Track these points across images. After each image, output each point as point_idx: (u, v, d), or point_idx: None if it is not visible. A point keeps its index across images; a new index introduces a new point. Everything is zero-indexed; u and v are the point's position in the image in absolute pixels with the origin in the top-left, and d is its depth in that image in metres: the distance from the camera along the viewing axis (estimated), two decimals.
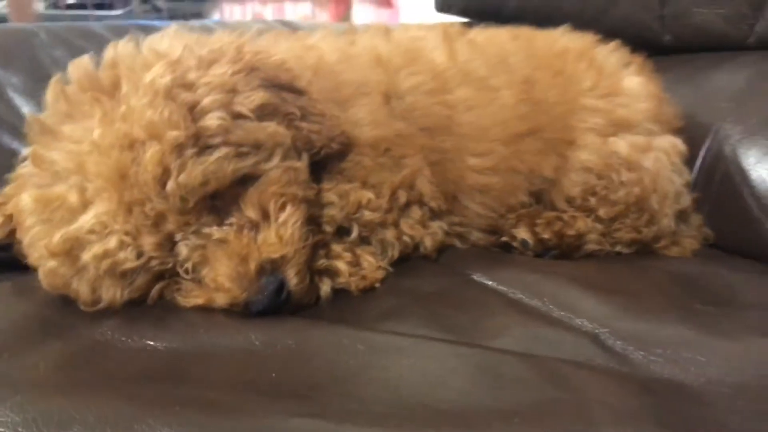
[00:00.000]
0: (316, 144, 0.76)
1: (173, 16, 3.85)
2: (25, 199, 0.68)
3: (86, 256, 0.65)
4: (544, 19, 1.25)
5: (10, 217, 0.78)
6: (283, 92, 0.76)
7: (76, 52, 1.05)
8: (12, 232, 0.79)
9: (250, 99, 0.71)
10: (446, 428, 0.47)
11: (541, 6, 1.48)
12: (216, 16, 4.10)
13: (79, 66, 0.74)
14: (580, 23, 1.18)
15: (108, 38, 1.17)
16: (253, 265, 0.67)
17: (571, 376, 0.55)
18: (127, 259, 0.66)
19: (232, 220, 0.69)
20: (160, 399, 0.51)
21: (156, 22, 1.27)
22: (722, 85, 1.13)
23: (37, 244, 0.68)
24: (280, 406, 0.49)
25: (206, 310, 0.69)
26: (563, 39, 1.04)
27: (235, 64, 0.73)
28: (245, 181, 0.70)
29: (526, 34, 1.03)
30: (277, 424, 0.45)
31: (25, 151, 0.76)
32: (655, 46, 1.23)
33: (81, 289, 0.68)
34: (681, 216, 0.98)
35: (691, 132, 1.07)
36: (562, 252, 0.91)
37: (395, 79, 0.89)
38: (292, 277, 0.69)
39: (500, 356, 0.59)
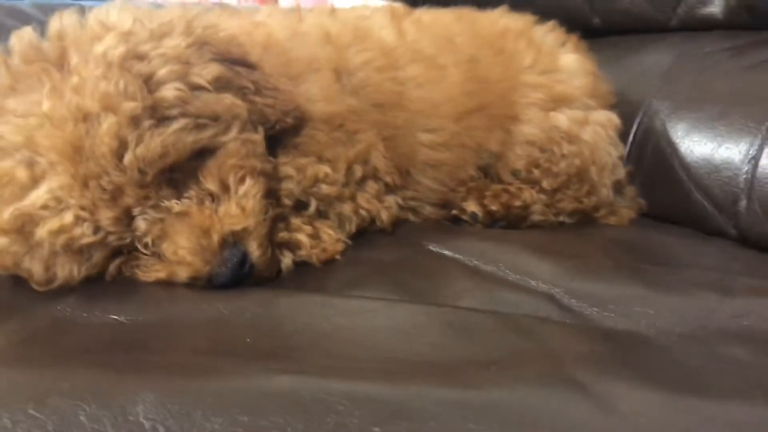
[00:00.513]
0: (271, 118, 0.76)
1: None
2: None
3: (41, 232, 0.63)
4: (481, 0, 1.29)
5: None
6: (235, 66, 0.75)
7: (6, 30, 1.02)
8: None
9: (207, 70, 0.70)
10: (424, 377, 0.48)
11: None
12: None
13: (23, 38, 0.71)
14: (514, 5, 1.22)
15: (38, 17, 1.13)
16: (216, 238, 0.66)
17: (536, 329, 0.58)
18: (84, 234, 0.64)
19: (191, 193, 0.68)
20: (135, 366, 0.50)
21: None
22: (650, 65, 1.20)
23: None
24: (261, 366, 0.49)
25: (167, 284, 0.68)
26: (503, 19, 1.07)
27: (188, 37, 0.72)
28: (202, 153, 0.69)
29: (468, 15, 1.06)
30: (264, 382, 0.46)
31: None
32: (585, 28, 1.28)
33: (34, 267, 0.66)
34: (616, 187, 1.03)
35: (623, 108, 1.13)
36: (509, 223, 0.95)
37: (345, 55, 0.90)
38: (254, 250, 0.68)
39: (466, 313, 0.61)
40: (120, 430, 0.42)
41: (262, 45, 0.85)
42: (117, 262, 0.68)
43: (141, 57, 0.67)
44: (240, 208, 0.68)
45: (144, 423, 0.42)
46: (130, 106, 0.64)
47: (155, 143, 0.64)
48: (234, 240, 0.67)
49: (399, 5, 1.04)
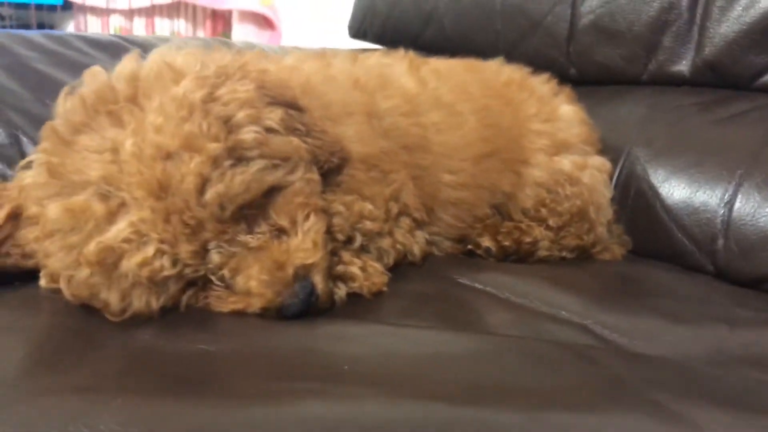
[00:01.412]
0: (321, 158, 0.81)
1: (20, 25, 3.61)
2: (53, 209, 0.67)
3: (127, 264, 0.66)
4: (457, 50, 1.38)
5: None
6: (289, 109, 0.80)
7: (20, 59, 1.03)
8: None
9: (274, 114, 0.75)
10: (521, 402, 0.54)
11: (456, 37, 1.62)
12: (70, 27, 3.87)
13: (96, 77, 0.74)
14: (493, 54, 1.32)
15: (49, 47, 1.14)
16: (290, 271, 0.71)
17: (594, 356, 0.65)
18: (164, 267, 0.67)
19: (263, 228, 0.72)
20: (238, 396, 0.53)
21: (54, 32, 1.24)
22: (626, 114, 1.32)
23: (63, 254, 0.68)
24: (357, 391, 0.54)
25: (239, 314, 0.71)
26: (504, 70, 1.16)
27: (251, 82, 0.77)
28: (271, 191, 0.73)
29: (475, 65, 1.14)
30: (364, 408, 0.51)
31: (29, 158, 0.75)
32: (562, 78, 1.39)
33: (111, 298, 0.68)
34: (607, 226, 1.13)
35: (606, 154, 1.24)
36: (518, 258, 1.03)
37: (374, 100, 0.96)
38: (319, 282, 0.73)
39: (531, 342, 0.67)
40: None
41: (301, 88, 0.90)
42: (190, 293, 0.71)
43: (218, 100, 0.72)
44: (312, 242, 0.72)
45: None
46: (213, 147, 0.68)
47: (237, 182, 0.68)
48: (304, 273, 0.72)
49: (413, 54, 1.11)
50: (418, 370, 0.60)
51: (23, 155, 0.94)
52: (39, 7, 3.55)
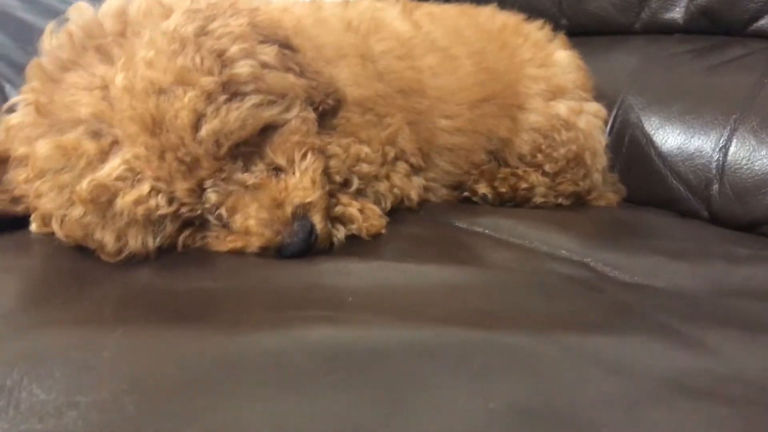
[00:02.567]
0: (315, 100, 0.79)
1: None
2: (42, 147, 0.65)
3: (122, 202, 0.64)
4: None
5: None
6: (282, 48, 0.78)
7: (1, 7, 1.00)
8: None
9: (269, 49, 0.73)
10: (536, 326, 0.54)
11: None
12: None
13: (83, 12, 0.71)
14: (485, 2, 1.29)
15: None
16: (289, 209, 0.69)
17: (602, 287, 0.65)
18: (159, 205, 0.66)
19: (259, 166, 0.71)
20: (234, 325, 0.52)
21: None
22: (619, 64, 1.31)
23: (55, 194, 0.66)
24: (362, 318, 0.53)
25: (237, 254, 0.70)
26: (498, 15, 1.14)
27: (245, 17, 0.74)
28: (266, 129, 0.72)
29: (469, 9, 1.12)
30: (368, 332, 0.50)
31: (15, 99, 0.73)
32: (553, 28, 1.37)
33: (106, 237, 0.66)
34: (602, 173, 1.12)
35: (600, 102, 1.22)
36: (515, 204, 1.02)
37: (367, 43, 0.94)
38: (318, 221, 0.72)
39: (537, 275, 0.67)
40: None
41: (292, 30, 0.87)
42: (187, 233, 0.70)
43: (210, 34, 0.69)
44: (310, 181, 0.71)
45: None
46: (207, 81, 0.66)
47: (233, 117, 0.66)
48: (303, 212, 0.70)
49: None
50: (426, 298, 0.59)
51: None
52: None
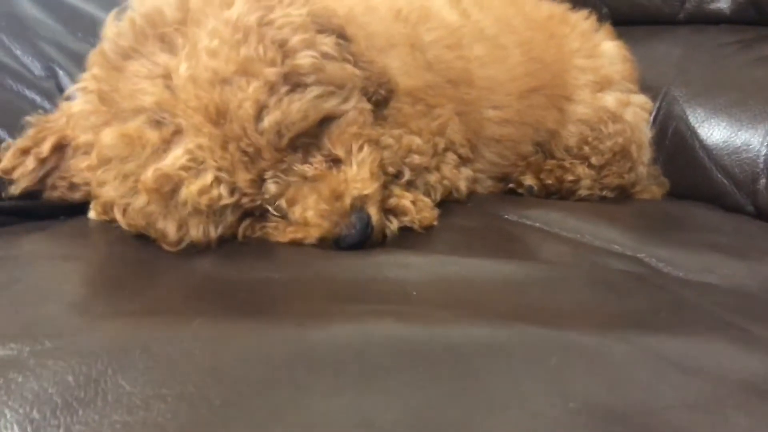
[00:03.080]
0: (369, 90, 0.79)
1: None
2: (107, 135, 0.65)
3: (185, 192, 0.64)
4: None
5: (42, 161, 0.75)
6: (338, 38, 0.78)
7: None
8: (43, 177, 0.76)
9: (329, 39, 0.72)
10: (605, 324, 0.54)
11: None
12: None
13: (144, 1, 0.71)
14: None
15: None
16: (347, 201, 0.69)
17: (663, 283, 0.65)
18: (222, 195, 0.66)
19: (318, 158, 0.71)
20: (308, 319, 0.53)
21: None
22: (663, 54, 1.29)
23: (119, 182, 0.66)
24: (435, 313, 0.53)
25: (296, 245, 0.70)
26: (545, 5, 1.13)
27: (304, 7, 0.74)
28: (325, 121, 0.72)
29: None
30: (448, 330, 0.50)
31: (76, 86, 0.73)
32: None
33: (168, 226, 0.67)
34: (647, 167, 1.12)
35: (643, 93, 1.21)
36: (560, 196, 1.02)
37: (417, 32, 0.94)
38: (374, 213, 0.72)
39: (598, 270, 0.67)
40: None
41: (344, 18, 0.87)
42: (246, 223, 0.70)
43: (272, 24, 0.69)
44: (368, 173, 0.71)
45: None
46: (270, 72, 0.66)
47: (294, 108, 0.66)
48: (360, 204, 0.70)
49: None
50: (490, 294, 0.59)
51: (60, 88, 0.92)
52: None
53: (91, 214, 0.76)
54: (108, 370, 0.45)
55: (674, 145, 1.18)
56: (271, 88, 0.66)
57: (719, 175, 1.12)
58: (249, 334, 0.49)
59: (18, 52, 0.93)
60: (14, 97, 0.87)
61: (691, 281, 0.70)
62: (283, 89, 0.66)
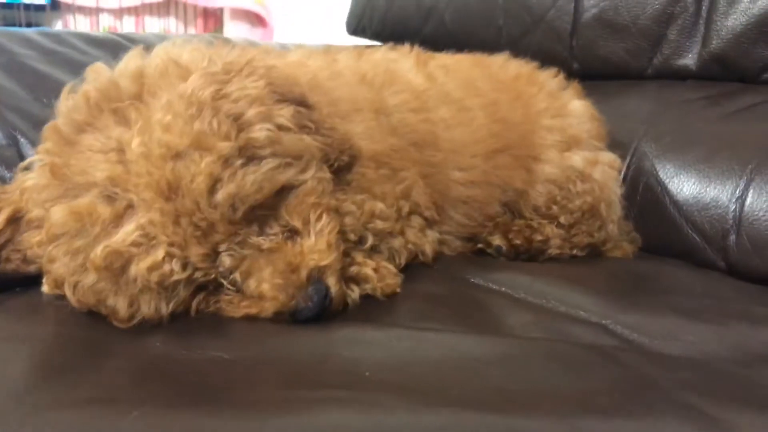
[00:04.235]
0: (330, 156, 0.79)
1: (8, 25, 3.55)
2: (57, 212, 0.64)
3: (136, 269, 0.63)
4: (458, 46, 1.36)
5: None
6: (298, 106, 0.78)
7: (18, 57, 1.00)
8: None
9: (285, 111, 0.72)
10: (555, 408, 0.52)
11: (457, 33, 1.60)
12: (59, 26, 3.81)
13: (100, 74, 0.72)
14: (495, 50, 1.29)
15: (46, 45, 1.11)
16: (304, 273, 0.68)
17: (621, 357, 0.63)
18: (174, 271, 0.65)
19: (275, 229, 0.70)
20: (255, 405, 0.51)
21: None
22: (632, 110, 1.30)
23: (68, 259, 0.65)
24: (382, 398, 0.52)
25: (250, 319, 0.69)
26: (511, 64, 1.14)
27: (259, 79, 0.74)
28: (282, 191, 0.71)
29: (483, 59, 1.12)
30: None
31: (30, 159, 0.73)
32: (564, 74, 1.37)
33: (119, 304, 0.65)
34: (617, 224, 1.11)
35: (614, 149, 1.22)
36: (529, 256, 1.01)
37: (381, 96, 0.94)
38: (333, 284, 0.71)
39: (556, 345, 0.65)
40: None
41: (308, 85, 0.87)
42: (200, 297, 0.69)
43: (227, 97, 0.69)
44: (326, 243, 0.70)
45: None
46: (224, 146, 0.65)
47: (249, 181, 0.66)
48: (318, 275, 0.69)
49: (419, 49, 1.09)
50: (444, 375, 0.58)
51: (22, 156, 0.91)
52: (26, 6, 3.51)
53: (44, 288, 0.74)
54: None
55: (645, 200, 1.18)
56: (225, 161, 0.65)
57: (690, 231, 1.11)
58: (188, 427, 0.47)
59: None
60: None
61: (654, 353, 0.69)
62: (238, 162, 0.66)
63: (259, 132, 0.68)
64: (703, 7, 1.24)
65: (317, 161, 0.74)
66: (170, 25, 3.68)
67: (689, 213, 1.12)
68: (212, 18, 3.65)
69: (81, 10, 3.68)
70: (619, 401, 0.53)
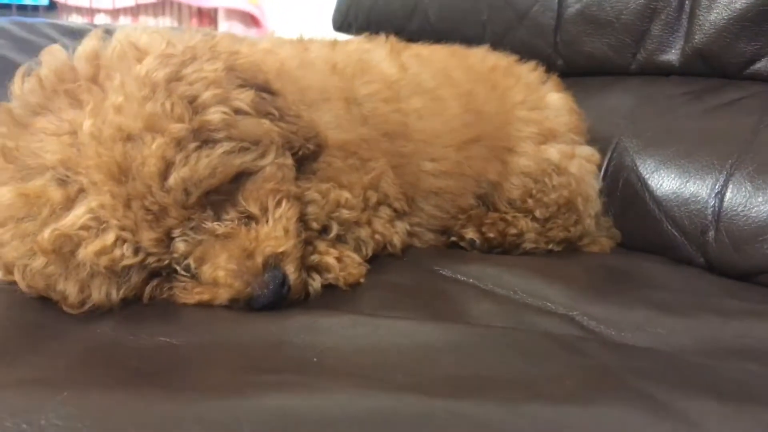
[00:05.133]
0: (295, 144, 0.78)
1: None
2: (5, 194, 0.63)
3: (83, 252, 0.62)
4: (444, 41, 1.34)
5: None
6: (261, 92, 0.76)
7: None
8: None
9: (245, 95, 0.71)
10: (505, 393, 0.51)
11: (442, 29, 1.59)
12: None
13: (56, 56, 0.70)
14: (480, 45, 1.28)
15: (18, 34, 1.10)
16: (259, 260, 0.67)
17: (581, 346, 0.62)
18: (125, 255, 0.63)
19: (231, 215, 0.69)
20: (191, 388, 0.50)
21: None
22: (615, 105, 1.29)
23: (17, 242, 0.64)
24: (330, 383, 0.50)
25: (204, 306, 0.67)
26: (490, 56, 1.13)
27: (219, 62, 0.73)
28: (239, 176, 0.70)
29: (459, 51, 1.11)
30: (323, 401, 0.47)
31: None
32: (548, 69, 1.36)
33: (68, 289, 0.64)
34: (595, 219, 1.10)
35: (594, 144, 1.20)
36: (504, 250, 0.99)
37: (352, 85, 0.93)
38: (291, 272, 0.69)
39: (514, 332, 0.64)
40: None
41: (275, 72, 0.86)
42: (153, 284, 0.67)
43: (183, 79, 0.68)
44: (283, 230, 0.69)
45: None
46: (177, 128, 0.64)
47: (202, 165, 0.64)
48: (275, 262, 0.68)
49: (394, 39, 1.07)
50: (392, 360, 0.56)
51: None
52: (21, 7, 3.50)
53: None
54: None
55: (625, 196, 1.16)
56: (178, 144, 0.64)
57: (670, 227, 1.10)
58: (116, 408, 0.46)
59: None
60: None
61: (618, 343, 0.67)
62: (192, 146, 0.65)
63: (214, 114, 0.66)
64: (686, 2, 1.23)
65: (278, 147, 0.73)
66: (165, 24, 3.67)
67: (669, 208, 1.11)
68: (206, 18, 3.64)
69: (77, 10, 3.68)
70: (570, 388, 0.52)
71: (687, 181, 1.10)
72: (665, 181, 1.12)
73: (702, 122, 1.16)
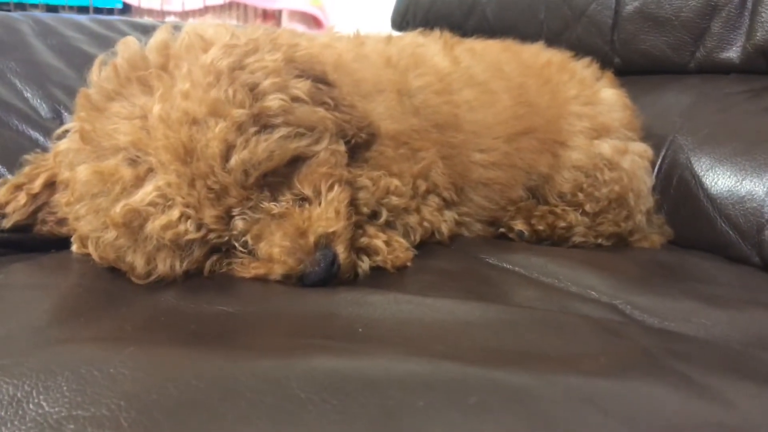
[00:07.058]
0: (348, 133, 0.81)
1: None
2: (82, 172, 0.69)
3: (151, 227, 0.67)
4: (501, 39, 1.36)
5: (33, 197, 0.79)
6: (318, 83, 0.80)
7: (68, 40, 1.06)
8: (34, 212, 0.80)
9: (302, 84, 0.75)
10: (542, 366, 0.53)
11: (499, 27, 1.60)
12: None
13: (129, 46, 0.75)
14: (546, 42, 1.29)
15: (96, 30, 1.17)
16: (311, 239, 0.70)
17: (621, 329, 0.63)
18: (188, 230, 0.68)
19: (286, 196, 0.73)
20: (246, 348, 0.54)
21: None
22: (671, 103, 1.28)
23: (92, 216, 0.69)
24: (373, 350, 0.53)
25: (261, 280, 0.72)
26: (544, 52, 1.14)
27: (279, 53, 0.77)
28: (295, 161, 0.74)
29: (513, 46, 1.13)
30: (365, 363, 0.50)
31: (65, 127, 0.77)
32: (605, 67, 1.36)
33: (136, 260, 0.69)
34: (646, 215, 1.09)
35: (649, 142, 1.20)
36: (552, 243, 1.00)
37: (406, 78, 0.96)
38: (341, 252, 0.73)
39: (555, 314, 0.66)
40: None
41: (332, 65, 0.90)
42: (214, 258, 0.72)
43: (245, 68, 0.72)
44: (334, 212, 0.72)
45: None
46: (238, 113, 0.68)
47: (261, 148, 0.68)
48: (326, 242, 0.71)
49: (448, 34, 1.10)
50: (433, 333, 0.59)
51: None
52: (97, 10, 3.68)
53: (74, 248, 0.79)
54: (33, 392, 0.46)
55: (679, 194, 1.16)
56: (239, 128, 0.68)
57: (724, 225, 1.08)
58: (177, 362, 0.50)
59: (28, 95, 0.99)
60: (18, 137, 0.92)
61: (660, 329, 0.68)
62: (252, 130, 0.69)
63: (273, 101, 0.71)
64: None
65: (332, 135, 0.76)
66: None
67: (723, 207, 1.09)
68: (271, 19, 3.74)
69: (149, 12, 3.84)
70: (606, 365, 0.53)
71: (743, 179, 1.08)
72: (720, 179, 1.11)
73: (760, 121, 1.14)
